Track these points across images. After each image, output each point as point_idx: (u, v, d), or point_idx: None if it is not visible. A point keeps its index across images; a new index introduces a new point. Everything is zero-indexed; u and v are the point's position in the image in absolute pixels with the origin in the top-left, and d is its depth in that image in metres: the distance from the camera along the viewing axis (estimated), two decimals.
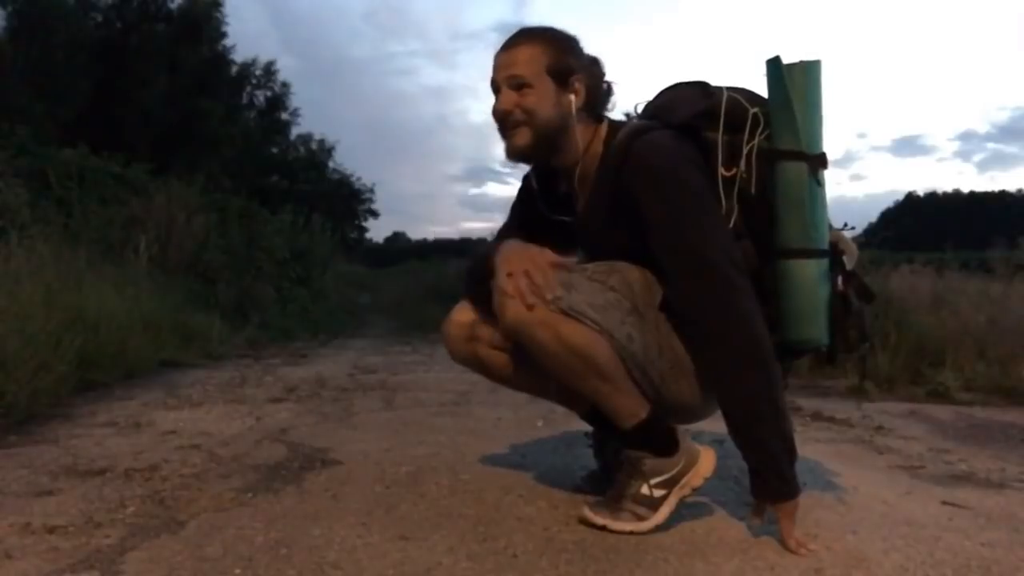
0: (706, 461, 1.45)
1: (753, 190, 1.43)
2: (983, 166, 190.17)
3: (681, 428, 1.48)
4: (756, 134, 1.43)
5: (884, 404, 3.45)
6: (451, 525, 1.42)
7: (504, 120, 1.47)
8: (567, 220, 1.57)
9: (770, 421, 1.34)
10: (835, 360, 1.54)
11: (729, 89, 1.48)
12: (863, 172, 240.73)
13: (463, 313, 1.58)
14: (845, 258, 1.48)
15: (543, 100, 1.45)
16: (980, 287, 5.08)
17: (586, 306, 1.37)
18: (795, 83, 1.39)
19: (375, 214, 30.33)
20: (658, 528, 1.40)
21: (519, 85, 1.45)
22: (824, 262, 1.44)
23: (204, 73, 20.41)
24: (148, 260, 5.26)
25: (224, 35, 21.89)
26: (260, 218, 8.53)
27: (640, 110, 1.59)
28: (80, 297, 3.40)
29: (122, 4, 20.00)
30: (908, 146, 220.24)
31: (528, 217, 1.63)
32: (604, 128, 1.52)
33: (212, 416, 2.55)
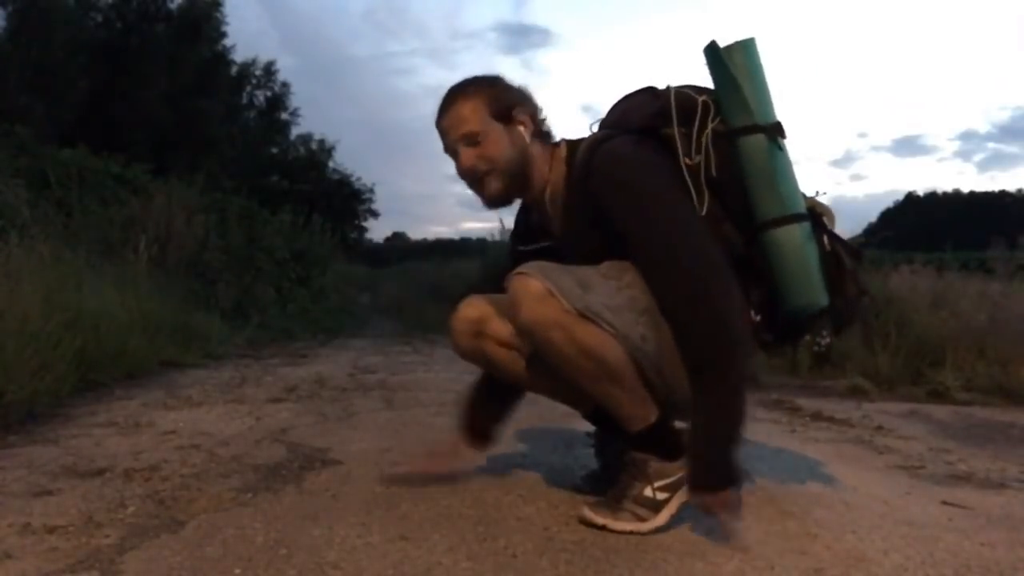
0: None
1: (719, 173, 1.45)
2: (983, 166, 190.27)
3: (686, 434, 1.48)
4: (708, 120, 1.46)
5: (884, 404, 3.45)
6: (451, 525, 1.42)
7: (471, 176, 1.52)
8: (549, 245, 1.60)
9: (728, 424, 1.35)
10: (841, 321, 1.55)
11: (676, 87, 1.51)
12: (863, 172, 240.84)
13: (471, 309, 1.58)
14: (825, 219, 1.52)
15: (499, 144, 1.50)
16: (980, 287, 5.08)
17: (602, 307, 1.37)
18: (735, 63, 1.43)
19: (375, 214, 30.33)
20: (658, 530, 1.40)
21: (472, 141, 1.50)
22: (806, 225, 1.46)
23: (204, 73, 20.42)
24: (148, 260, 5.26)
25: (224, 35, 21.94)
26: (260, 218, 8.53)
27: (596, 128, 1.61)
28: (80, 297, 3.40)
29: (122, 4, 20.01)
30: (908, 146, 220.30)
31: (522, 253, 1.65)
32: (563, 148, 1.56)
33: (212, 416, 2.55)
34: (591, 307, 1.35)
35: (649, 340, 1.40)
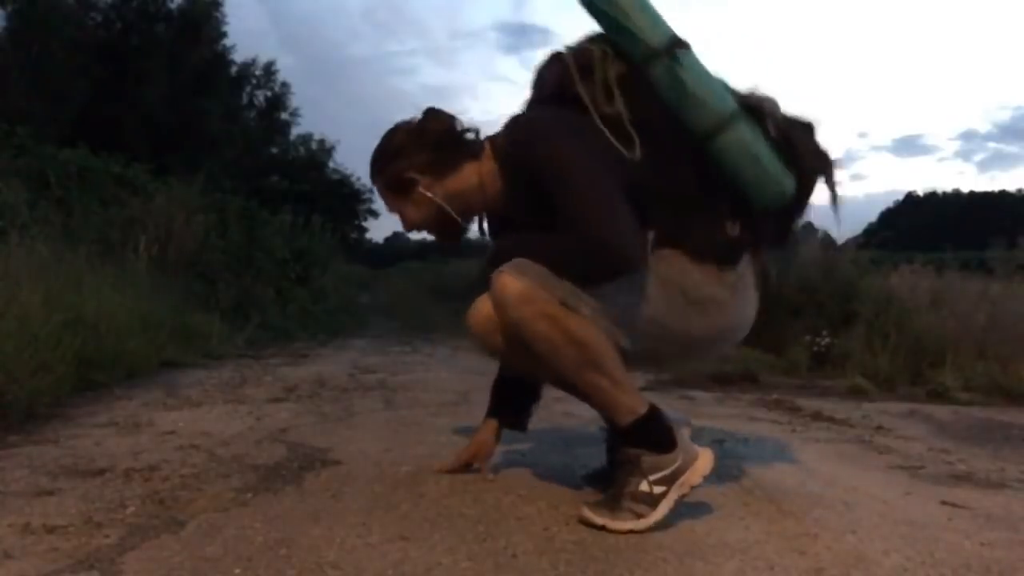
0: (704, 460, 1.46)
1: (641, 111, 1.48)
2: (984, 166, 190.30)
3: (679, 427, 1.48)
4: (609, 65, 1.50)
5: (884, 404, 3.45)
6: (451, 525, 1.42)
7: (419, 232, 1.64)
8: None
9: (549, 251, 1.42)
10: (807, 194, 1.58)
11: (572, 43, 1.57)
12: (863, 172, 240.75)
13: (486, 305, 1.56)
14: (765, 106, 1.54)
15: (413, 215, 1.61)
16: (980, 287, 5.08)
17: (577, 292, 1.41)
18: (611, 2, 1.47)
19: (375, 214, 30.24)
20: (657, 525, 1.40)
21: (401, 215, 1.63)
22: (742, 123, 1.49)
23: (204, 73, 20.40)
24: (148, 260, 5.26)
25: (224, 35, 21.90)
26: (260, 218, 8.53)
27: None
28: (80, 297, 3.39)
29: (122, 4, 20.00)
30: (909, 146, 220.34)
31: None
32: (487, 146, 1.59)
33: (212, 416, 2.55)
34: (568, 294, 1.39)
35: (627, 323, 1.46)
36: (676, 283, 1.50)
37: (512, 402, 1.82)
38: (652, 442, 1.44)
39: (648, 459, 1.43)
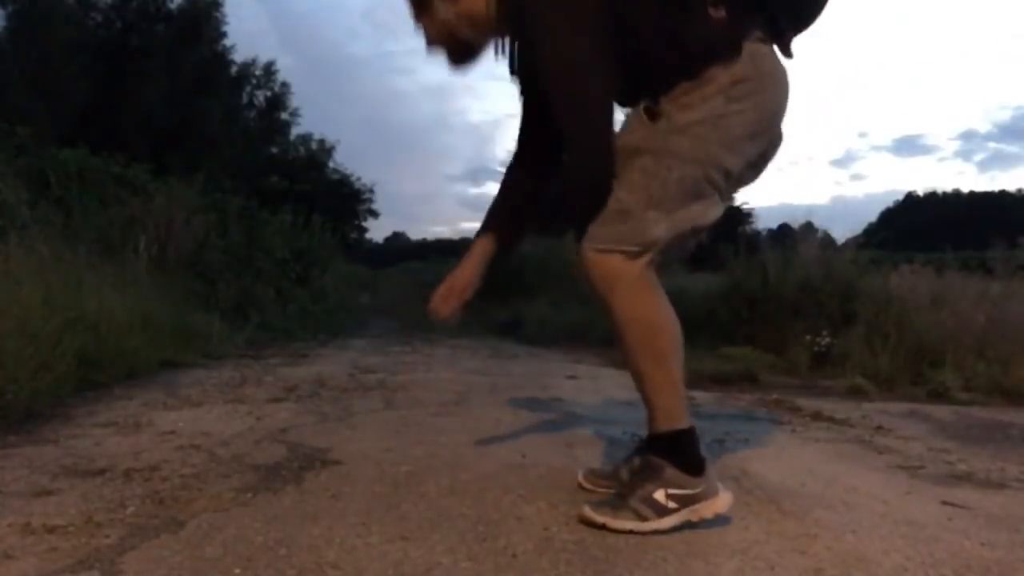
0: (724, 499, 1.43)
1: None
2: (984, 166, 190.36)
3: (710, 465, 1.46)
4: None
5: (884, 404, 3.45)
6: (451, 525, 1.42)
7: (446, 33, 1.57)
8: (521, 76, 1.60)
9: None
10: None
11: None
12: (864, 172, 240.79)
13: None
14: None
15: (434, 29, 1.57)
16: (980, 287, 5.08)
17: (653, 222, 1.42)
18: None
19: (375, 214, 30.23)
20: (656, 532, 1.39)
21: (423, 30, 1.59)
22: None
23: (204, 73, 20.41)
24: (148, 260, 5.26)
25: (224, 35, 21.92)
26: (260, 218, 8.52)
27: None
28: (80, 297, 3.39)
29: (122, 4, 20.00)
30: (909, 145, 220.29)
31: (526, 128, 1.69)
32: None
33: (212, 416, 2.55)
34: (640, 229, 1.41)
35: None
36: (704, 108, 1.42)
37: (509, 222, 1.73)
38: (682, 459, 1.42)
39: (671, 472, 1.41)
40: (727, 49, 1.42)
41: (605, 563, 1.25)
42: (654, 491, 1.40)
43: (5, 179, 4.79)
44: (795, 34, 1.53)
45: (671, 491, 1.40)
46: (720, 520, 1.47)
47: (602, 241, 1.43)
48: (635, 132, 1.47)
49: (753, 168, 1.55)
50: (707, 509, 1.41)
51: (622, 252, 1.41)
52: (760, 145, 1.50)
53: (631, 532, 1.38)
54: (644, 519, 1.39)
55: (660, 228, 1.42)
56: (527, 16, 1.42)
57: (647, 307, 1.43)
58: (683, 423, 1.44)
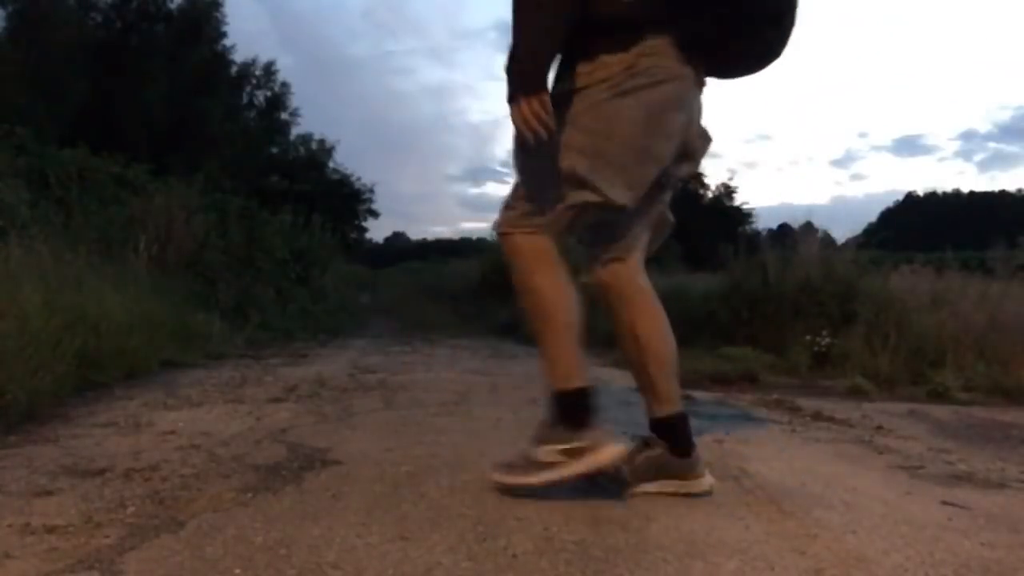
0: (608, 451, 1.52)
1: None
2: (984, 166, 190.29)
3: (602, 418, 1.58)
4: None
5: (884, 404, 3.46)
6: (451, 525, 1.42)
7: None
8: None
9: (514, 43, 1.46)
10: None
11: None
12: (864, 172, 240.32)
13: None
14: None
15: None
16: (980, 287, 5.09)
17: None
18: None
19: (375, 214, 30.25)
20: (548, 486, 1.49)
21: None
22: None
23: (204, 73, 20.42)
24: (148, 260, 5.26)
25: (224, 35, 21.95)
26: (260, 218, 8.52)
27: None
28: (80, 297, 3.39)
29: (122, 4, 20.02)
30: (909, 145, 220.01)
31: None
32: None
33: (212, 416, 2.55)
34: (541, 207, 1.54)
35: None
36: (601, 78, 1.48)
37: None
38: (569, 416, 1.55)
39: (561, 429, 1.54)
40: (623, 34, 1.46)
41: (605, 563, 1.25)
42: (545, 445, 1.54)
43: (5, 179, 4.79)
44: (727, 61, 1.58)
45: (561, 446, 1.52)
46: (720, 520, 1.47)
47: (503, 225, 1.62)
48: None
49: (665, 163, 1.57)
50: (592, 460, 1.51)
51: (520, 232, 1.58)
52: (655, 140, 1.52)
53: (521, 486, 1.53)
54: (530, 474, 1.53)
55: (546, 214, 1.55)
56: None
57: (537, 279, 1.57)
58: (571, 384, 1.55)
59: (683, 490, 1.61)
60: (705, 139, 1.67)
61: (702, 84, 1.59)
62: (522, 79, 1.45)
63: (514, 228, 1.60)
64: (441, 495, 1.62)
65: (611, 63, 1.47)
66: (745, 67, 1.63)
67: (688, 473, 1.61)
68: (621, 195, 1.50)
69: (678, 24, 1.48)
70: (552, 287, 1.57)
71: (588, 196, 1.50)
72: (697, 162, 1.71)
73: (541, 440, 1.56)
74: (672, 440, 1.62)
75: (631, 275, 1.67)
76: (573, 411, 1.54)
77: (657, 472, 1.61)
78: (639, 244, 1.69)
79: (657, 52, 1.47)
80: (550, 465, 1.52)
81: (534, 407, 2.86)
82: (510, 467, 1.57)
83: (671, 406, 1.64)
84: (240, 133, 22.08)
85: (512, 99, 1.46)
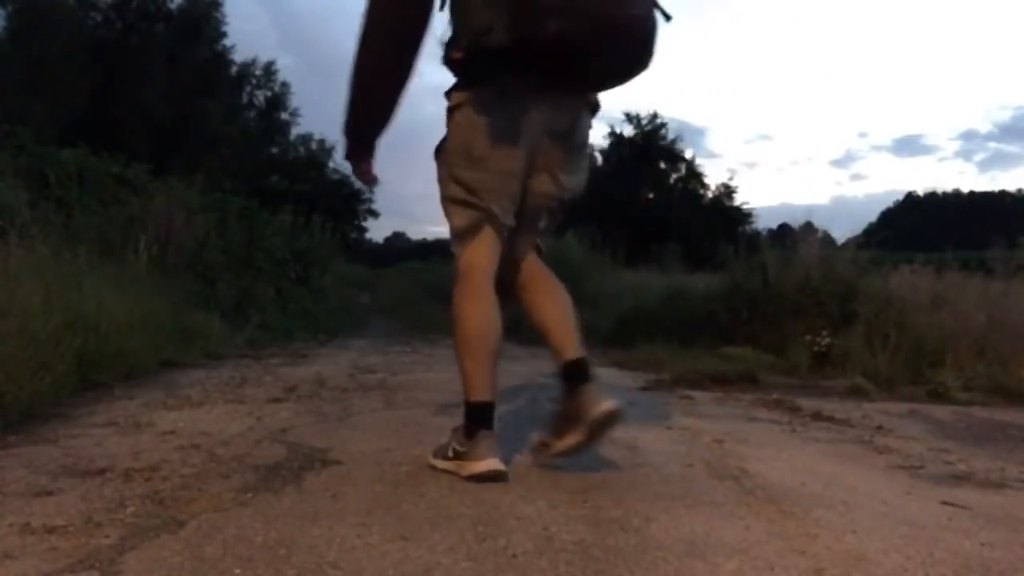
0: (482, 464, 1.71)
1: None
2: (984, 166, 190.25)
3: (491, 440, 1.74)
4: None
5: (884, 404, 3.46)
6: (451, 525, 1.42)
7: None
8: None
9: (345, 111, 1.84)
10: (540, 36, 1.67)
11: None
12: (864, 172, 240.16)
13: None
14: None
15: None
16: (980, 287, 5.08)
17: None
18: None
19: (375, 214, 30.25)
20: (450, 473, 1.75)
21: None
22: None
23: (204, 73, 20.43)
24: (148, 260, 5.26)
25: (224, 35, 21.96)
26: (260, 218, 8.53)
27: None
28: (80, 297, 3.39)
29: (122, 4, 20.03)
30: (909, 145, 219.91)
31: None
32: None
33: (212, 416, 2.55)
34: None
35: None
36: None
37: None
38: (466, 424, 1.76)
39: (458, 433, 1.78)
40: (459, 80, 1.78)
41: (605, 563, 1.25)
42: (450, 443, 1.79)
43: (5, 179, 4.79)
44: (587, 80, 1.78)
45: (455, 447, 1.77)
46: (720, 520, 1.47)
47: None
48: None
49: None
50: (466, 468, 1.72)
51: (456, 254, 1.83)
52: (478, 172, 1.77)
53: (434, 467, 1.80)
54: (441, 460, 1.80)
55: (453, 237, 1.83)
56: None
57: (467, 306, 1.77)
58: (477, 397, 1.75)
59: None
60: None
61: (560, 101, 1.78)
62: (349, 148, 1.91)
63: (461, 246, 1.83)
64: (441, 495, 1.62)
65: (452, 96, 1.80)
66: (615, 78, 1.78)
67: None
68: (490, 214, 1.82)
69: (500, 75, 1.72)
70: (480, 316, 1.76)
71: (480, 217, 1.83)
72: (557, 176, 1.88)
73: (452, 436, 1.80)
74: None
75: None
76: (468, 421, 1.76)
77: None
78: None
79: (471, 99, 1.75)
80: (448, 460, 1.78)
81: (535, 406, 2.86)
82: (435, 452, 1.85)
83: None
84: (240, 133, 22.10)
85: (347, 157, 1.94)
